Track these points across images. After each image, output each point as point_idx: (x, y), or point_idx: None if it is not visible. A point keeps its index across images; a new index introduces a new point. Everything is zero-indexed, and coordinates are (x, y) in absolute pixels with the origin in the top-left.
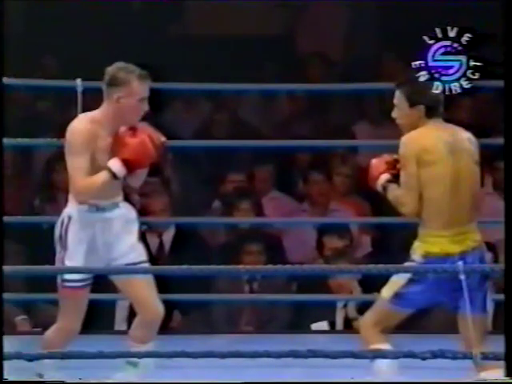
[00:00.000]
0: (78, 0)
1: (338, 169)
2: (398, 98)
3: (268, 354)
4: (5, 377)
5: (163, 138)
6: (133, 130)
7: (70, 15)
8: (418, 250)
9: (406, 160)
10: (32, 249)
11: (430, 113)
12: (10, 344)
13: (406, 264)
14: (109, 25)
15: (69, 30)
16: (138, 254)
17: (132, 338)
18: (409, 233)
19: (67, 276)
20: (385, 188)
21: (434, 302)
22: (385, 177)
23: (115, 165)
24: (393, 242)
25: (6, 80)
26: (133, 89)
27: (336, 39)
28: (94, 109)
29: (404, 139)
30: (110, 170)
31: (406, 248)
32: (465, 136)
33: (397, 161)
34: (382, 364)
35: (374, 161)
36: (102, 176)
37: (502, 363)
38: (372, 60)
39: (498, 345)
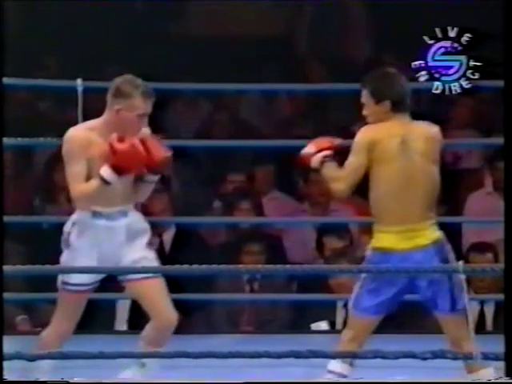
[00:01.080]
0: (81, 0)
1: None
2: (365, 95)
3: (268, 355)
4: (5, 377)
5: (168, 152)
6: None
7: (71, 15)
8: (369, 245)
9: (358, 147)
10: (32, 249)
11: (396, 107)
12: (10, 344)
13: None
14: (110, 25)
15: (70, 29)
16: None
17: (144, 342)
18: None
19: (69, 280)
20: (322, 164)
21: (396, 304)
22: (325, 153)
23: (105, 171)
24: None
25: (6, 80)
26: (134, 103)
27: (336, 40)
28: (95, 108)
29: (361, 129)
30: (101, 177)
31: None
32: (426, 134)
33: (339, 148)
34: (335, 364)
35: (316, 140)
36: (95, 183)
37: (490, 363)
38: (372, 61)
39: (498, 345)
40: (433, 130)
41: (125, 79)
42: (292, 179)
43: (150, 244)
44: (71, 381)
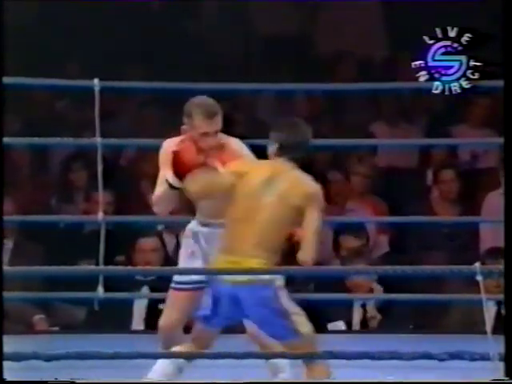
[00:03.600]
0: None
1: (355, 168)
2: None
3: (284, 355)
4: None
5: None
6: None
7: (90, 15)
8: None
9: (227, 171)
10: (49, 248)
11: (281, 152)
12: (28, 343)
13: None
14: (129, 25)
15: (89, 30)
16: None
17: None
18: (426, 233)
19: (175, 278)
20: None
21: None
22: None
23: (169, 175)
24: (410, 242)
25: (24, 79)
26: (195, 123)
27: (353, 39)
28: (112, 109)
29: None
30: (167, 181)
31: (423, 248)
32: (298, 185)
33: None
34: (159, 365)
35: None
36: (163, 187)
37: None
38: (388, 60)
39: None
40: (309, 187)
41: (191, 100)
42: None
43: None
44: (70, 381)
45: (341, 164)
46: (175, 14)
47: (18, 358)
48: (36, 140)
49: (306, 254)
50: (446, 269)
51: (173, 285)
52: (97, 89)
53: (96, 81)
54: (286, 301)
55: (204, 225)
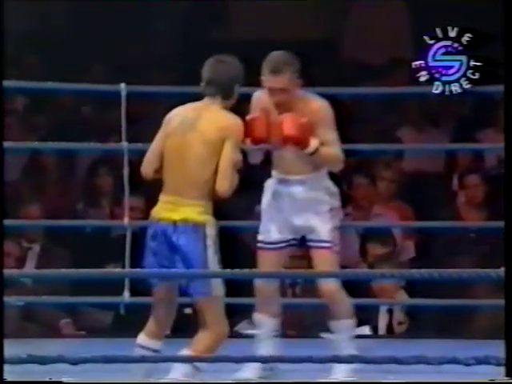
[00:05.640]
0: (124, 1)
1: (381, 173)
2: None
3: (310, 359)
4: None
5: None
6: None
7: (115, 21)
8: None
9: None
10: (75, 252)
11: (206, 90)
12: (54, 347)
13: None
14: (154, 30)
15: (114, 35)
16: (317, 234)
17: None
18: (452, 238)
19: (261, 238)
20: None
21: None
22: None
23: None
24: (436, 247)
25: (51, 84)
26: (264, 77)
27: (379, 43)
28: (139, 113)
29: None
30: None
31: (450, 253)
32: (216, 121)
33: None
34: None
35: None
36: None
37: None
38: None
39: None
40: (223, 120)
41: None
42: (335, 183)
43: (329, 213)
44: (65, 381)
45: (367, 169)
46: (201, 19)
47: (44, 361)
48: (63, 145)
49: (222, 186)
50: (473, 273)
51: (259, 245)
52: (123, 93)
53: (122, 85)
54: (213, 253)
55: (282, 181)
